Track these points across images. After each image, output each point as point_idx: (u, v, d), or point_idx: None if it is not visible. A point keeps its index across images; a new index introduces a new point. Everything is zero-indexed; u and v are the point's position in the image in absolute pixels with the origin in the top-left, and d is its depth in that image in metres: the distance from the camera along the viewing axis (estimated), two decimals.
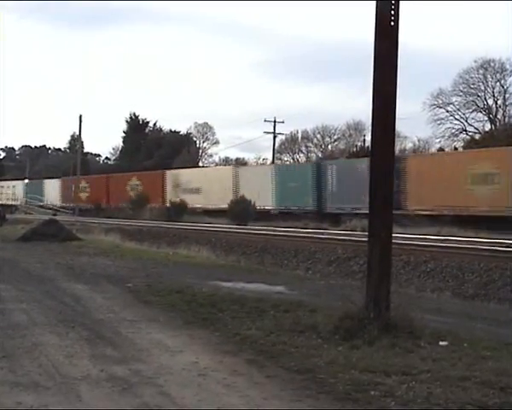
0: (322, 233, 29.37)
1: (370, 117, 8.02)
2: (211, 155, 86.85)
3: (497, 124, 58.11)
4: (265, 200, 42.63)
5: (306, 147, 77.78)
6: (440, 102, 60.16)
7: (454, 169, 33.24)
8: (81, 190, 62.74)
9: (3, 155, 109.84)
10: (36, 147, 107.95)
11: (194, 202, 46.97)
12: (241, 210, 39.87)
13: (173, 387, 5.62)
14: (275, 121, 68.51)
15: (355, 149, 63.60)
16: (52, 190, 69.13)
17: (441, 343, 7.16)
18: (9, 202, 67.82)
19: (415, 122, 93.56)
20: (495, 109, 59.12)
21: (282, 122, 69.75)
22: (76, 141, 72.90)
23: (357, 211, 35.04)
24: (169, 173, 55.65)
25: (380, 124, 7.94)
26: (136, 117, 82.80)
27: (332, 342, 7.12)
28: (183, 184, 52.38)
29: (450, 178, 32.90)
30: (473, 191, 31.75)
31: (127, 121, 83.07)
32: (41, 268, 14.78)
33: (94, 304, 9.95)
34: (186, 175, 53.50)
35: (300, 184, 42.05)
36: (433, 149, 59.75)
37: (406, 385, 5.61)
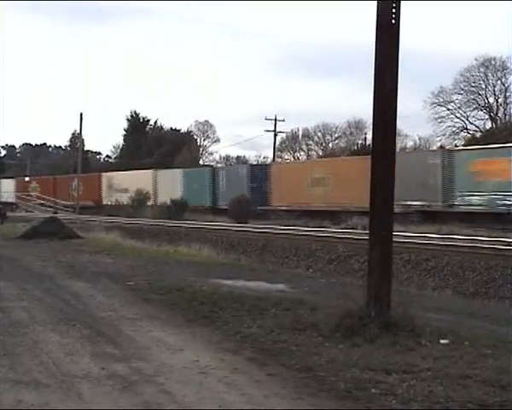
0: (323, 232, 29.40)
1: (371, 115, 8.01)
2: (211, 154, 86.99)
3: (498, 122, 58.07)
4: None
5: (307, 145, 77.83)
6: (441, 100, 60.17)
7: (300, 174, 43.10)
8: (33, 189, 70.48)
9: (4, 152, 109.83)
10: (36, 145, 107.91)
11: (123, 199, 54.51)
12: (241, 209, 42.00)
13: (174, 385, 5.62)
14: (276, 119, 68.48)
15: (356, 148, 63.60)
16: (7, 188, 75.84)
17: (442, 342, 7.16)
18: None
19: (415, 120, 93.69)
20: (496, 107, 59.11)
21: (283, 120, 69.81)
22: (77, 139, 72.87)
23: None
24: (104, 176, 64.25)
25: (380, 124, 7.93)
26: (137, 115, 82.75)
27: (333, 341, 7.12)
28: (115, 185, 59.91)
29: (298, 181, 42.43)
30: (312, 191, 41.78)
31: (128, 119, 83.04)
32: (41, 266, 14.78)
33: (95, 302, 9.96)
34: (117, 177, 61.17)
35: (201, 185, 51.09)
36: (434, 147, 59.81)
37: (407, 383, 5.61)
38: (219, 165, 78.04)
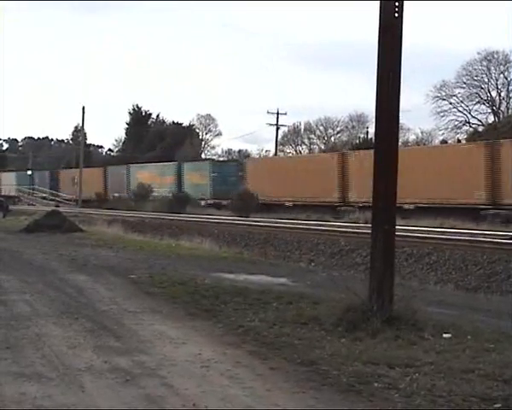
0: (325, 225, 29.39)
1: (373, 109, 8.00)
2: (213, 147, 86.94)
3: (501, 116, 57.96)
4: (11, 191, 72.04)
5: (309, 139, 77.75)
6: (444, 94, 60.10)
7: (71, 177, 64.50)
8: None
9: (6, 146, 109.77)
10: (39, 138, 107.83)
11: None
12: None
13: (176, 378, 5.62)
14: (277, 113, 68.49)
15: (358, 141, 63.53)
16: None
17: (444, 336, 7.16)
18: None
19: (418, 114, 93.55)
20: (498, 101, 59.03)
21: (285, 114, 69.87)
22: (79, 133, 72.88)
23: (54, 198, 63.52)
24: None
25: (383, 118, 7.91)
26: (139, 109, 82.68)
27: (335, 334, 7.12)
28: None
29: (70, 181, 63.84)
30: (75, 188, 60.32)
31: (130, 113, 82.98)
32: (44, 259, 14.80)
33: (97, 295, 9.96)
34: None
35: (24, 182, 73.43)
36: (436, 142, 59.79)
37: (409, 377, 5.60)
38: (221, 158, 78.06)
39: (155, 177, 56.48)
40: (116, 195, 59.52)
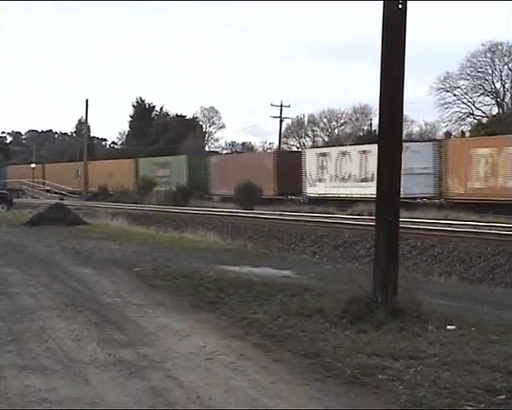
0: (329, 217, 29.38)
1: (377, 101, 7.98)
2: (217, 140, 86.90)
3: (505, 107, 57.75)
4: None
5: (313, 131, 77.64)
6: (447, 85, 59.79)
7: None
8: None
9: (10, 139, 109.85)
10: (43, 131, 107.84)
11: None
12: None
13: (181, 371, 5.63)
14: (281, 105, 68.42)
15: (362, 134, 63.41)
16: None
17: (449, 327, 7.16)
18: None
19: (422, 106, 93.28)
20: (502, 93, 58.72)
21: (289, 106, 69.84)
22: (83, 125, 72.89)
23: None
24: None
25: (387, 109, 7.89)
26: (143, 102, 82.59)
27: (339, 327, 7.12)
28: None
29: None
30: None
31: (134, 106, 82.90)
32: (48, 252, 14.81)
33: (101, 288, 9.97)
34: None
35: None
36: (440, 134, 59.65)
37: (414, 369, 5.60)
38: (225, 151, 78.05)
39: None
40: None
